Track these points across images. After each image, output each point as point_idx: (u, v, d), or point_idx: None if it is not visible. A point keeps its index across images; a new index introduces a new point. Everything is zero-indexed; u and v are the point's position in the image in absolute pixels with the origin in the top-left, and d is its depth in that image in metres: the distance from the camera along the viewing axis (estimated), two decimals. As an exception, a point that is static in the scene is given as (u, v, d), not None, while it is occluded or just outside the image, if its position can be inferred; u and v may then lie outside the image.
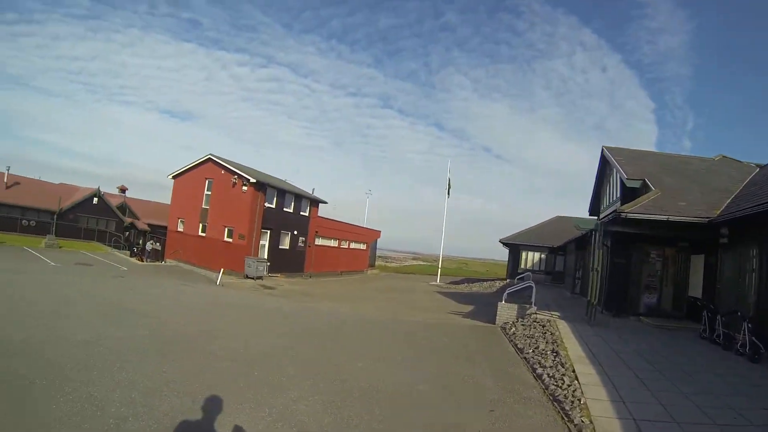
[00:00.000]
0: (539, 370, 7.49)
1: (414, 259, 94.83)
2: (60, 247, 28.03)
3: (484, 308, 17.17)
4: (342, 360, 7.73)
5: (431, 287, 31.28)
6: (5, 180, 36.23)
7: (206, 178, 31.25)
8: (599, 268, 12.54)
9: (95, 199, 38.52)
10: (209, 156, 31.16)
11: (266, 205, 28.85)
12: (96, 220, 38.92)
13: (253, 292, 19.84)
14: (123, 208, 41.90)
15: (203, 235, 30.90)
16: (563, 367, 7.28)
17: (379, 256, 60.66)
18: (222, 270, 21.44)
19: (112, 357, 6.25)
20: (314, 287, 25.27)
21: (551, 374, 7.09)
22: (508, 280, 32.83)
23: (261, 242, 29.18)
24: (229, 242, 28.56)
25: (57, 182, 43.83)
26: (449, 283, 35.66)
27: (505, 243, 36.91)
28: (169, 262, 31.72)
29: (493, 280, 36.44)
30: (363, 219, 50.37)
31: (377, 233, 48.18)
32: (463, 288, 31.54)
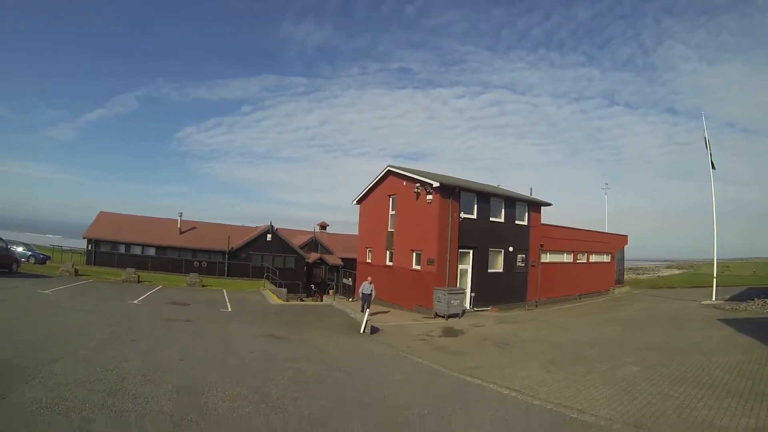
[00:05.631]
0: None
1: (668, 267, 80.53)
2: (203, 286, 25.91)
3: None
4: None
5: (707, 311, 20.48)
6: (179, 225, 39.22)
7: (389, 195, 26.35)
8: None
9: (269, 236, 37.86)
10: (388, 168, 26.24)
11: (463, 215, 21.99)
12: (272, 257, 38.07)
13: (413, 345, 13.63)
14: (314, 243, 40.60)
15: (390, 264, 25.57)
16: None
17: (629, 268, 48.73)
18: (368, 311, 15.11)
19: None
20: (530, 325, 18.43)
21: None
22: None
23: (460, 266, 22.38)
24: (417, 270, 22.50)
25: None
26: (728, 299, 23.54)
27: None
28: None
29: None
30: (603, 226, 39.01)
31: (623, 239, 37.13)
32: (760, 308, 19.57)
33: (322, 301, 27.95)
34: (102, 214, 38.92)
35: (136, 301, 17.65)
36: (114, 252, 35.34)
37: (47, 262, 30.13)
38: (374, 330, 15.25)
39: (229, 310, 18.22)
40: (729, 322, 16.30)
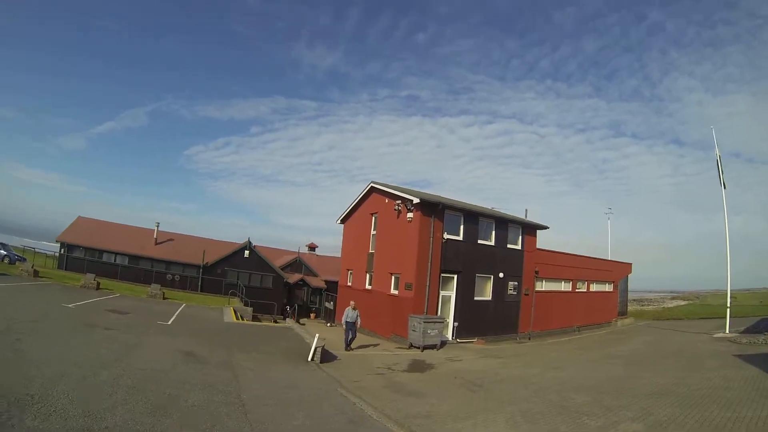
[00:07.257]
0: None
1: (673, 298, 75.94)
2: (164, 298, 23.91)
3: None
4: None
5: (721, 345, 18.16)
6: (155, 236, 37.66)
7: (372, 214, 24.30)
8: None
9: (246, 253, 36.25)
10: (371, 184, 24.30)
11: (446, 236, 19.84)
12: (248, 275, 36.32)
13: (363, 380, 11.54)
14: (298, 264, 38.60)
15: (369, 288, 23.39)
16: None
17: (632, 299, 45.56)
18: (317, 336, 12.90)
19: None
20: (516, 361, 16.05)
21: None
22: None
23: (442, 293, 20.13)
24: (395, 295, 20.30)
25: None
26: (743, 331, 21.21)
27: None
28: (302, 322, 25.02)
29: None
30: (606, 254, 36.55)
31: (627, 267, 34.51)
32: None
33: (285, 322, 25.73)
34: (80, 219, 37.52)
35: (71, 305, 16.08)
36: (85, 258, 33.64)
37: (17, 263, 29.39)
38: (328, 358, 13.03)
39: (168, 323, 16.17)
40: (749, 359, 13.96)
